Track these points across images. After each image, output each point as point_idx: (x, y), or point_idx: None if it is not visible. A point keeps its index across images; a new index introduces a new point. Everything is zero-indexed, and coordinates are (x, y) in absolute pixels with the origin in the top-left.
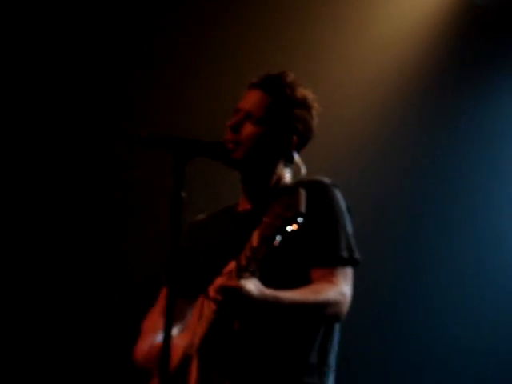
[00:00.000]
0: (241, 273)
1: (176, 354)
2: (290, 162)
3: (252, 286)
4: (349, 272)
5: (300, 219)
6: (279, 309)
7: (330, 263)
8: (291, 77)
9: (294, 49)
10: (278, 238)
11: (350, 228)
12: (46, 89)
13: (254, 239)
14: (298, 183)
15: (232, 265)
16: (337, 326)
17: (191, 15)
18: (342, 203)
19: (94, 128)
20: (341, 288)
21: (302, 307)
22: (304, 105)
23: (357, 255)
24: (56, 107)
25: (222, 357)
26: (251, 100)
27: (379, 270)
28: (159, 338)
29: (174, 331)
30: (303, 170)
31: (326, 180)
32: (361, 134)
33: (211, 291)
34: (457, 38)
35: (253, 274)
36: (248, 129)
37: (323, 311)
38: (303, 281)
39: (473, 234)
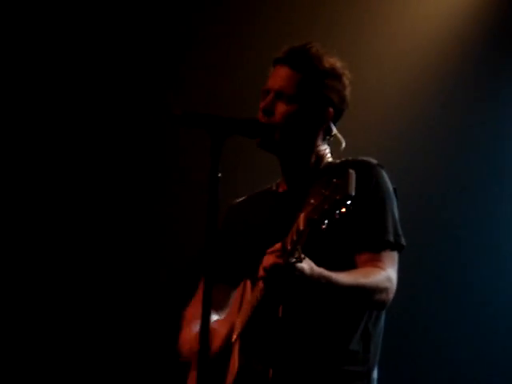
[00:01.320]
0: (286, 257)
1: (217, 341)
2: (328, 135)
3: (305, 264)
4: (395, 257)
5: (349, 202)
6: (330, 289)
7: (377, 248)
8: (316, 47)
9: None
10: (326, 221)
11: (396, 211)
12: (75, 63)
13: (301, 222)
14: (344, 163)
15: (278, 245)
16: (382, 314)
17: None
18: (389, 185)
19: (126, 107)
20: (388, 273)
21: (352, 289)
22: (334, 74)
23: (403, 241)
24: (86, 83)
25: (265, 344)
26: (280, 78)
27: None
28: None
29: (216, 317)
30: (343, 144)
31: (373, 161)
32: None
33: (261, 270)
34: (493, 25)
35: (298, 259)
36: (282, 109)
37: (372, 296)
38: (348, 265)
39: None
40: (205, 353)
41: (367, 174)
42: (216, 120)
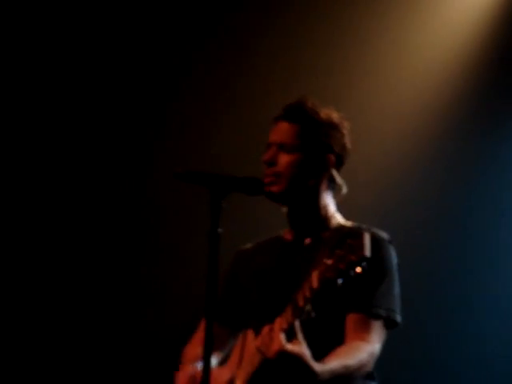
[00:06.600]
0: (297, 313)
1: None
2: (332, 182)
3: (308, 352)
4: (383, 329)
5: (364, 263)
6: (322, 379)
7: (369, 313)
8: (311, 100)
9: (323, 82)
10: (340, 281)
11: (397, 289)
12: (77, 123)
13: (314, 280)
14: (356, 228)
15: (283, 321)
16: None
17: (218, 47)
18: (395, 262)
19: (129, 165)
20: (373, 347)
21: (341, 376)
22: (331, 123)
23: (397, 317)
24: (88, 140)
25: None
26: (280, 132)
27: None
28: (200, 365)
29: (214, 361)
30: (344, 190)
31: (384, 234)
32: (391, 172)
33: (261, 343)
34: (488, 71)
35: (309, 315)
36: (284, 158)
37: (356, 374)
38: (338, 324)
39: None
40: None
41: (375, 247)
42: (216, 178)
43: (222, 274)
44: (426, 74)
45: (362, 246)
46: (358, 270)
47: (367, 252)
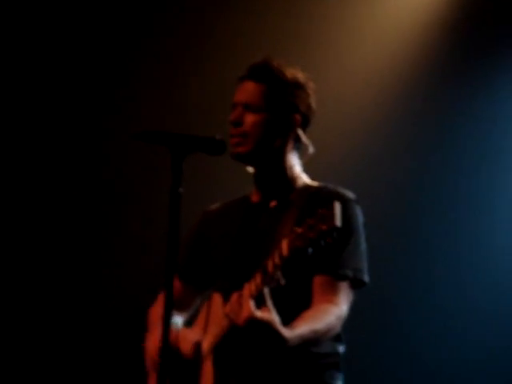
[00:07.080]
0: (267, 280)
1: (186, 347)
2: (298, 142)
3: (277, 319)
4: (350, 290)
5: (335, 233)
6: (292, 344)
7: (335, 275)
8: (276, 60)
9: (290, 45)
10: (310, 250)
11: (363, 248)
12: (43, 88)
13: (284, 248)
14: (323, 189)
15: (252, 287)
16: None
17: (184, 10)
18: (361, 221)
19: (91, 125)
20: (341, 310)
21: (308, 342)
22: (297, 83)
23: (364, 277)
24: (52, 104)
25: (241, 361)
26: (246, 91)
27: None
28: (174, 326)
29: (180, 320)
30: (310, 150)
31: (350, 194)
32: (356, 133)
33: (230, 310)
34: (454, 32)
35: (278, 282)
36: (250, 118)
37: (324, 338)
38: (305, 286)
39: (474, 232)
40: (165, 361)
41: (342, 207)
42: (177, 138)
43: (188, 232)
44: (392, 35)
45: (332, 216)
46: (329, 240)
47: (338, 222)
